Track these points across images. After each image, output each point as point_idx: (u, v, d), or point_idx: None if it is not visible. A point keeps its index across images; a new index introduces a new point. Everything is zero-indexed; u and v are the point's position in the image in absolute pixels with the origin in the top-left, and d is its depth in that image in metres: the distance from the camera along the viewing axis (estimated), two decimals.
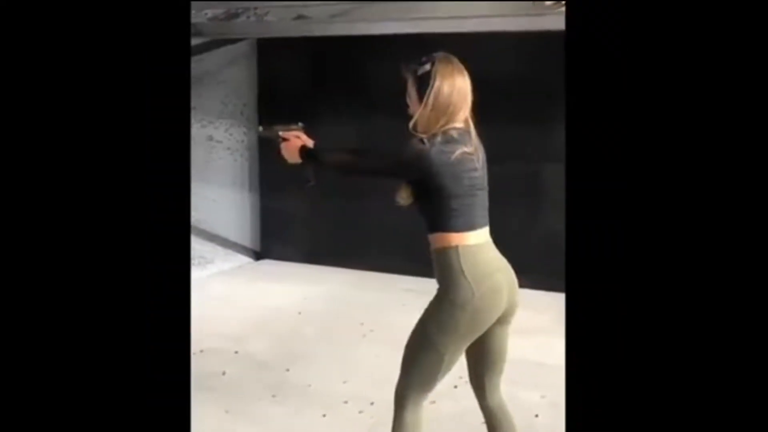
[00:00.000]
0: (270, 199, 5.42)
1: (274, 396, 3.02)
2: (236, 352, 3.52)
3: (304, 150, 1.99)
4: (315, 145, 2.05)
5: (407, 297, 4.25)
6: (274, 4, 4.64)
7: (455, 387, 2.72)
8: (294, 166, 2.03)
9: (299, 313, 4.17)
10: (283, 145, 2.03)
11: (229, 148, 5.29)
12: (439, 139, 1.80)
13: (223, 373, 3.26)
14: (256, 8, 4.79)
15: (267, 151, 5.40)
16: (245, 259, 5.41)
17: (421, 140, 1.81)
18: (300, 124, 2.07)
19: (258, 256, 5.49)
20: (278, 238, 5.43)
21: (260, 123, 2.18)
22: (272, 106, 5.24)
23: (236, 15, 4.87)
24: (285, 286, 4.73)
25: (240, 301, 4.44)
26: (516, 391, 2.05)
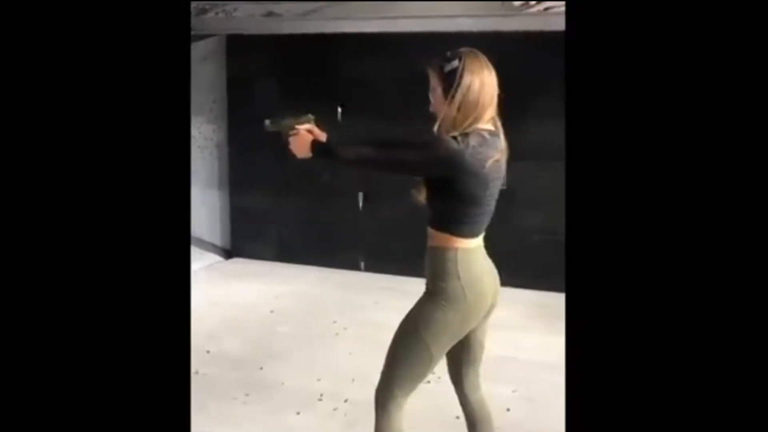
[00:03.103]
0: (240, 197, 5.40)
1: (247, 395, 3.02)
2: (208, 352, 3.51)
3: (315, 144, 1.86)
4: (327, 138, 1.92)
5: (379, 295, 4.29)
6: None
7: (428, 382, 2.75)
8: (304, 161, 1.90)
9: (271, 311, 4.17)
10: (292, 139, 1.88)
11: (198, 146, 5.25)
12: (472, 141, 1.70)
13: (196, 372, 3.24)
14: (225, 5, 4.76)
15: (237, 149, 5.39)
16: (216, 258, 5.38)
17: (455, 138, 1.70)
18: (310, 115, 1.93)
19: (229, 254, 5.46)
20: (249, 236, 5.41)
21: (267, 117, 1.95)
22: (242, 103, 5.22)
23: (205, 11, 4.83)
24: (256, 284, 4.71)
25: (212, 300, 4.41)
26: (487, 385, 2.08)
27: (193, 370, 3.25)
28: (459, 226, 1.78)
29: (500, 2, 3.90)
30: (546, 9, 3.87)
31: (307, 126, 1.90)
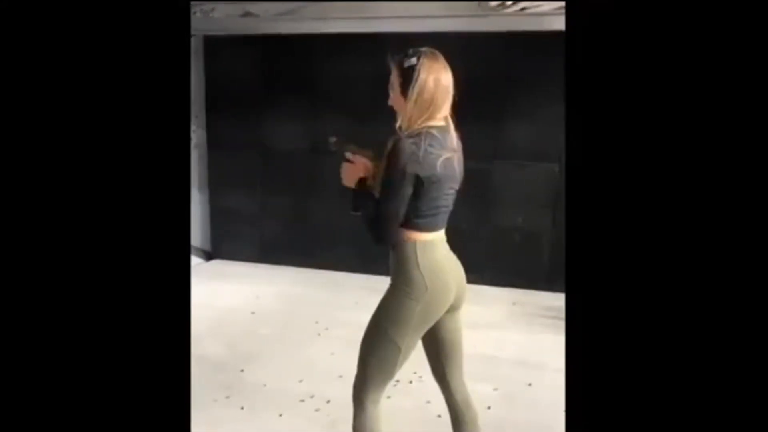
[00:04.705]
0: (220, 197, 5.38)
1: (228, 397, 3.02)
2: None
3: (361, 182, 1.90)
4: (369, 185, 1.91)
5: (360, 294, 4.30)
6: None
7: (410, 382, 2.78)
8: (347, 188, 1.93)
9: (252, 312, 4.16)
10: (345, 165, 1.94)
11: None
12: (425, 140, 1.78)
13: None
14: (202, 4, 4.74)
15: (215, 149, 5.36)
16: (196, 260, 5.35)
17: (410, 139, 1.77)
18: (370, 152, 1.94)
19: (209, 256, 5.44)
20: (229, 237, 5.39)
21: (335, 135, 2.00)
22: (220, 103, 5.20)
23: None
24: (237, 286, 4.70)
25: (192, 302, 4.40)
26: (468, 384, 2.11)
27: None
28: (413, 220, 1.84)
29: (477, 3, 3.93)
30: (522, 9, 3.91)
31: (363, 160, 1.93)
